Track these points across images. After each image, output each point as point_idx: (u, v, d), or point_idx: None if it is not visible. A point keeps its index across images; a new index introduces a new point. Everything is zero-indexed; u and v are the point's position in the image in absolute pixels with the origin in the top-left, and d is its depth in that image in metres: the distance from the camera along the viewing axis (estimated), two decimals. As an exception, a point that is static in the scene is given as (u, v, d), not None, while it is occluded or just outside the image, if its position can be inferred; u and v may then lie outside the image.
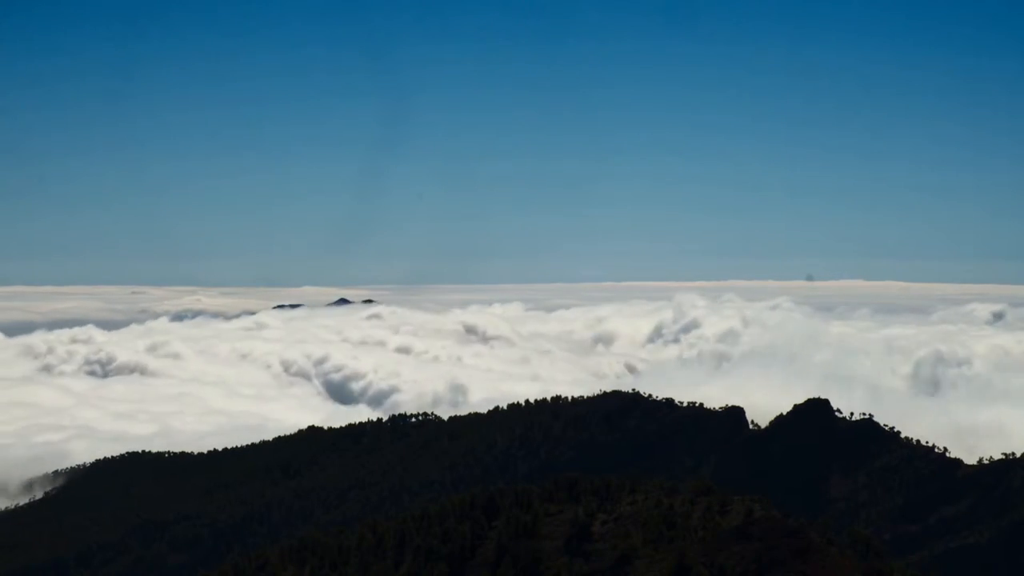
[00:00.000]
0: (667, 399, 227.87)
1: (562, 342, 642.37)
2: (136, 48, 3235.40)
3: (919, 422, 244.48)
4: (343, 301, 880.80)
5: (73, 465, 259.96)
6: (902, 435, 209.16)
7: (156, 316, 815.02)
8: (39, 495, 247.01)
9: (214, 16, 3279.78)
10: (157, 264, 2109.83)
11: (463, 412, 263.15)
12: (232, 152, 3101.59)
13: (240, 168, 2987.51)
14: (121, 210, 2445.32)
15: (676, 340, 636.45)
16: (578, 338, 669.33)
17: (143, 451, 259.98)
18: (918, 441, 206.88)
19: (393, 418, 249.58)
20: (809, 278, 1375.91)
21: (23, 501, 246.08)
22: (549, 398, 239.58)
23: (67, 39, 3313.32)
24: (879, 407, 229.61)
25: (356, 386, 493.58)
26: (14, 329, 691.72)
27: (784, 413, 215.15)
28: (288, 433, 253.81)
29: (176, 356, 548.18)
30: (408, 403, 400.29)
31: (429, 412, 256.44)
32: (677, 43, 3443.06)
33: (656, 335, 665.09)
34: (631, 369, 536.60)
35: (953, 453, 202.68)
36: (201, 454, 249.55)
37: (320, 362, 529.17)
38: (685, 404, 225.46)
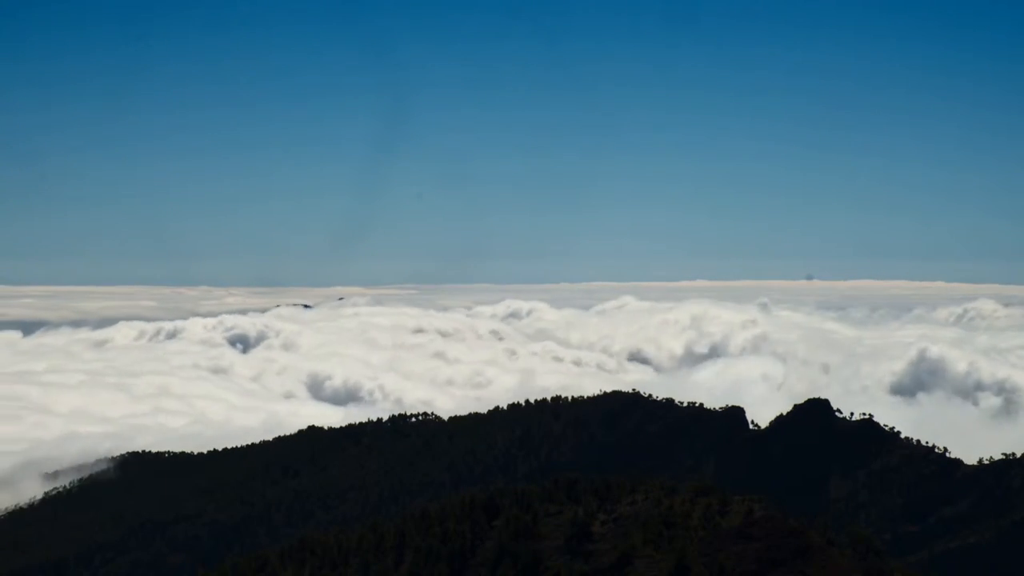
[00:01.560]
0: (667, 399, 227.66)
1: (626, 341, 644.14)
2: (137, 49, 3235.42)
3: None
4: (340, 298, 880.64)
5: (72, 465, 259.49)
6: (902, 435, 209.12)
7: (202, 316, 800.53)
8: (39, 495, 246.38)
9: (229, 17, 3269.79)
10: (156, 265, 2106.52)
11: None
12: (229, 152, 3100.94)
13: (240, 169, 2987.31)
14: (122, 211, 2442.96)
15: (707, 339, 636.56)
16: (627, 335, 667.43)
17: (143, 451, 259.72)
18: (918, 441, 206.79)
19: (393, 418, 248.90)
20: (809, 278, 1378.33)
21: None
22: (549, 398, 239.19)
23: (77, 40, 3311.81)
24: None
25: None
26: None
27: (784, 413, 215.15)
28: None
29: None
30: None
31: (429, 412, 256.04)
32: (679, 43, 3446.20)
33: (687, 330, 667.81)
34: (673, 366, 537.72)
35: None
36: (201, 454, 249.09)
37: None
38: (685, 404, 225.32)
